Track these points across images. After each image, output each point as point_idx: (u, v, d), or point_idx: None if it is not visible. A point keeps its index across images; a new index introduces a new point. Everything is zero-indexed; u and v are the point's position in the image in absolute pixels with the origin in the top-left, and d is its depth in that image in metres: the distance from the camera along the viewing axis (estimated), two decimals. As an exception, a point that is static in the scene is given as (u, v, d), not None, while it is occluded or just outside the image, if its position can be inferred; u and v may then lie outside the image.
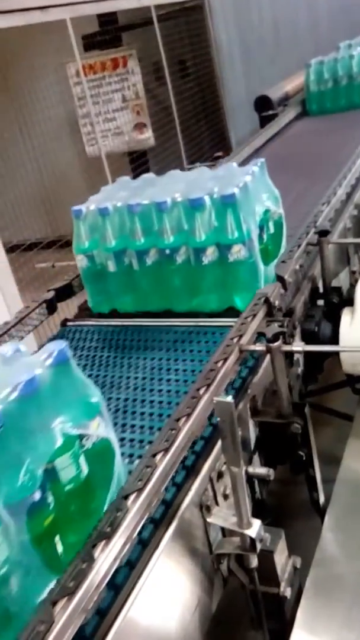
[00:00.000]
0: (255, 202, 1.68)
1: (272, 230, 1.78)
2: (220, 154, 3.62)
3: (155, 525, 1.07)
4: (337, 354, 1.75)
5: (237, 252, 1.60)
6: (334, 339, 1.77)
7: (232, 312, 1.67)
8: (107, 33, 5.15)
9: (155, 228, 1.67)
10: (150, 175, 1.95)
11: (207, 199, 1.61)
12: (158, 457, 1.07)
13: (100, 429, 0.99)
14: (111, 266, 1.76)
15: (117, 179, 1.97)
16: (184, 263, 1.67)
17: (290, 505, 2.11)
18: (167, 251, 1.66)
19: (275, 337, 1.34)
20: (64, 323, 1.90)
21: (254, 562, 1.18)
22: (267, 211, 1.74)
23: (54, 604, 0.82)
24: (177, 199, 1.65)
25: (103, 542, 0.92)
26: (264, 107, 4.50)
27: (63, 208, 1.88)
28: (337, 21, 7.29)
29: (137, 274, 1.74)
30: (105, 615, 0.93)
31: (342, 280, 2.12)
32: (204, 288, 1.70)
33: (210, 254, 1.63)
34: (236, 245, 1.60)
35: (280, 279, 1.70)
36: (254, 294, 1.58)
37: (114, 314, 1.85)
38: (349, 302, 1.82)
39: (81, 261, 1.81)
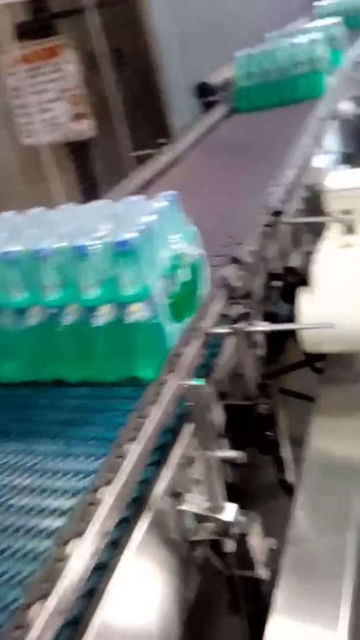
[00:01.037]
0: (162, 246, 1.40)
1: (186, 277, 1.47)
2: (164, 140, 3.57)
3: (128, 518, 1.03)
4: (295, 333, 1.75)
5: (137, 312, 1.32)
6: (292, 318, 1.77)
7: (136, 382, 1.36)
8: (39, 21, 5.01)
9: (35, 281, 1.39)
10: (38, 210, 1.65)
11: (96, 245, 1.32)
12: (128, 446, 1.04)
13: None
14: None
15: None
16: (73, 324, 1.39)
17: (249, 488, 2.12)
18: (51, 310, 1.39)
19: (240, 318, 1.32)
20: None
21: (230, 546, 1.16)
22: (178, 256, 1.44)
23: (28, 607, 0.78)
24: (59, 244, 1.35)
25: (75, 539, 0.88)
26: (205, 94, 4.49)
27: (2, 206, 1.72)
28: (273, 4, 7.33)
29: (18, 336, 1.45)
30: (83, 614, 0.89)
31: (295, 260, 2.13)
32: (99, 354, 1.41)
33: (103, 314, 1.35)
34: (134, 304, 1.32)
35: (236, 260, 1.68)
36: (162, 361, 1.33)
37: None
38: (304, 282, 1.82)
39: None
